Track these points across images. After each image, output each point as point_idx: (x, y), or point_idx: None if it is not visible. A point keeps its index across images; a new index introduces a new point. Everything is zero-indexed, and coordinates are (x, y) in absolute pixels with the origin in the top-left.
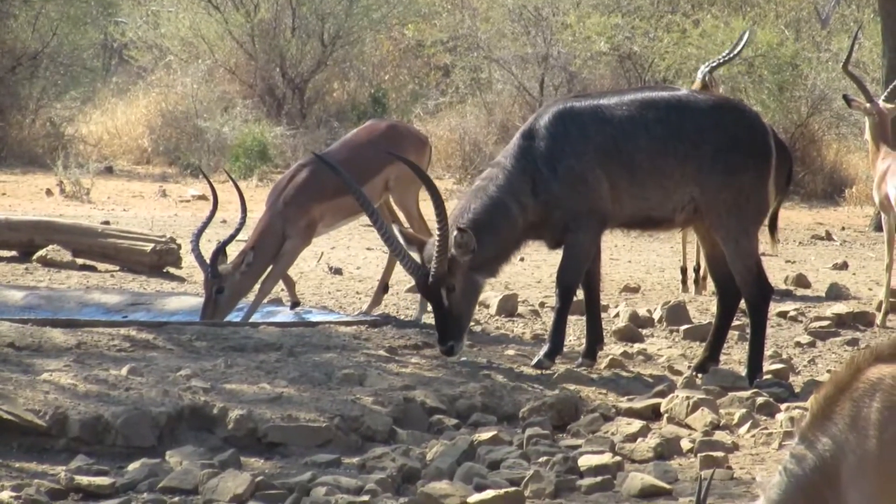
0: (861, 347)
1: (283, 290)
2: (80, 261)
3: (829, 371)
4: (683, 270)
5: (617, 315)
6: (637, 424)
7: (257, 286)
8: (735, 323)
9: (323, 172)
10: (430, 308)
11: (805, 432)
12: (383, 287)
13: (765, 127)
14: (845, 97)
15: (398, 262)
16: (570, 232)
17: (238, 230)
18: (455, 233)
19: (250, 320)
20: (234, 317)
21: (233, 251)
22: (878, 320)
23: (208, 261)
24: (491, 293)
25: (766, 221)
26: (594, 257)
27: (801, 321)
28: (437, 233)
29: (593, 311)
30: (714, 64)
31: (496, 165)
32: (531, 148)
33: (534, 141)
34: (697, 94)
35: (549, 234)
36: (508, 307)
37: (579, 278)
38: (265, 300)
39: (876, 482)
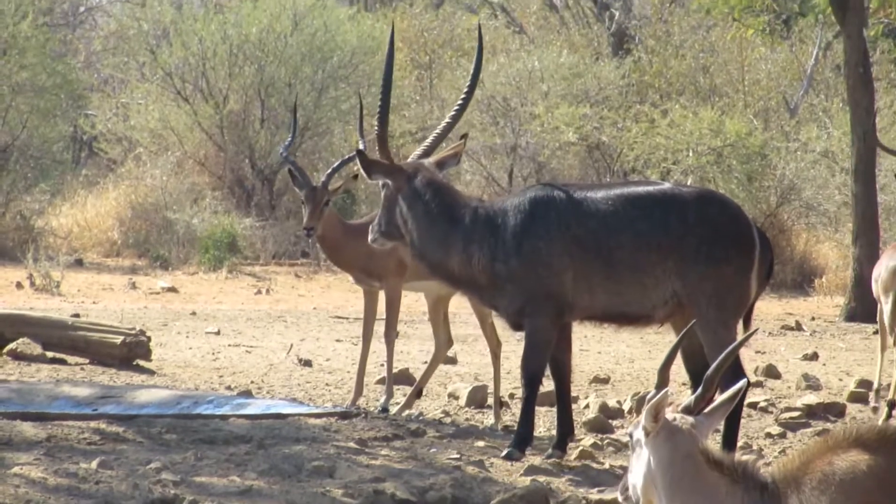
0: (846, 422)
1: (252, 381)
2: (50, 354)
3: None
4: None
5: (587, 406)
6: None
7: None
8: None
9: None
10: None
11: (781, 475)
12: (417, 391)
13: (747, 219)
14: None
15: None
16: (527, 317)
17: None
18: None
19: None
20: (204, 407)
21: None
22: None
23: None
24: (461, 384)
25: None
26: (564, 348)
27: (772, 412)
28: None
29: (564, 401)
30: None
31: (474, 201)
32: (506, 217)
33: (509, 211)
34: (681, 187)
35: (505, 312)
36: (478, 398)
37: (543, 365)
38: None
39: None
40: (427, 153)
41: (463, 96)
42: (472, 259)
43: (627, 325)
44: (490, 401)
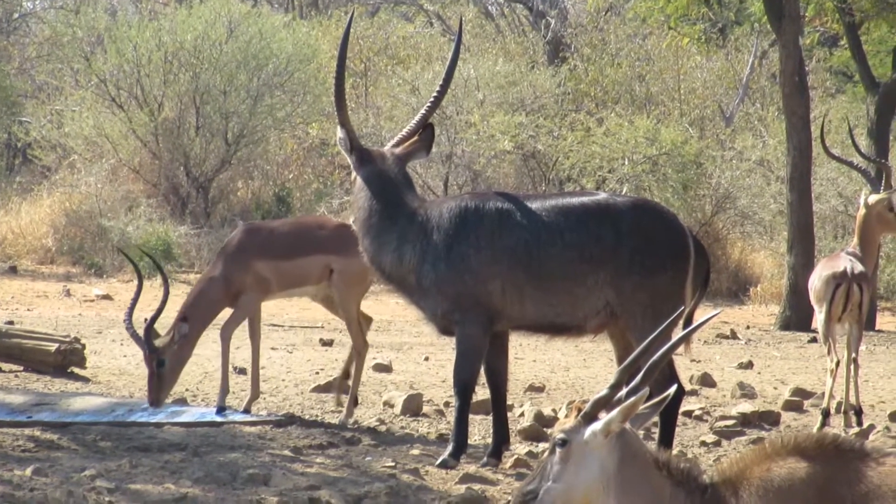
0: (781, 431)
1: (187, 389)
2: None
3: None
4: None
5: (522, 414)
6: None
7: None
8: None
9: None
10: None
11: (720, 480)
12: (353, 399)
13: (682, 228)
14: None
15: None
16: (457, 325)
17: (162, 305)
18: None
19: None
20: (139, 415)
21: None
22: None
23: (143, 337)
24: (396, 393)
25: (682, 322)
26: (500, 356)
27: (707, 420)
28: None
29: (500, 410)
30: None
31: (417, 201)
32: (439, 221)
33: (443, 216)
34: (616, 196)
35: (431, 315)
36: (413, 407)
37: (475, 374)
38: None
39: None
40: (399, 144)
41: (438, 89)
42: (403, 259)
43: (559, 335)
44: (426, 409)
